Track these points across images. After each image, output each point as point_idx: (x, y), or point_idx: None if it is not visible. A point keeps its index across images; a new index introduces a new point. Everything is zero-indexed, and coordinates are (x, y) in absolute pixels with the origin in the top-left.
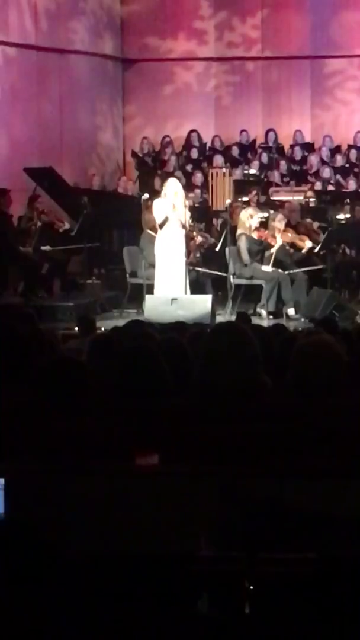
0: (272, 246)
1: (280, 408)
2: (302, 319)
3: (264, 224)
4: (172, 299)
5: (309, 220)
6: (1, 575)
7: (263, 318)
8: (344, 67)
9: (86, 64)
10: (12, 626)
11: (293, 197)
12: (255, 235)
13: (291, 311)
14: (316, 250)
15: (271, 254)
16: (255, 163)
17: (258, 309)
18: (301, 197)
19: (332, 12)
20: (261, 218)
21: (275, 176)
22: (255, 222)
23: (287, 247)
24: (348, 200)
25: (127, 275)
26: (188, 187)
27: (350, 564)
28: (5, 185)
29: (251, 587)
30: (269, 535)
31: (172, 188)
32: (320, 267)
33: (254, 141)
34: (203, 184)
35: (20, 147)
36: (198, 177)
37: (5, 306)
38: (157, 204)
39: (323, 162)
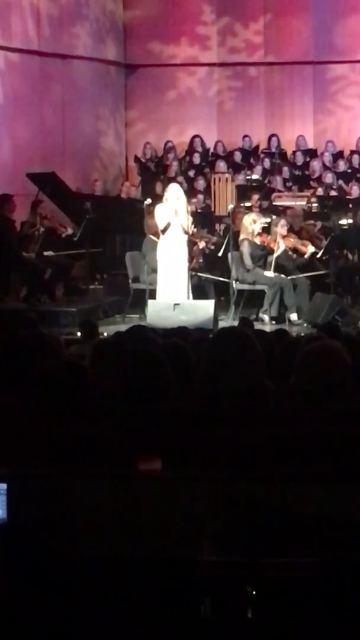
0: (274, 251)
1: (282, 413)
2: (305, 324)
3: (266, 230)
4: (175, 304)
5: (311, 221)
6: (3, 579)
7: (265, 323)
8: (346, 72)
9: (89, 69)
10: (15, 629)
11: (295, 202)
12: (257, 240)
13: (294, 316)
14: (319, 255)
15: (273, 259)
16: (258, 168)
17: (260, 314)
18: (304, 203)
19: (334, 18)
20: (264, 223)
21: (277, 181)
22: (258, 228)
23: (290, 253)
24: (351, 206)
25: (130, 281)
26: (190, 192)
27: (353, 569)
28: (8, 190)
29: (254, 592)
30: (271, 540)
31: (174, 193)
32: (322, 272)
33: (257, 146)
34: (205, 189)
35: (23, 152)
36: (200, 183)
37: (8, 311)
38: (159, 209)
39: (325, 167)
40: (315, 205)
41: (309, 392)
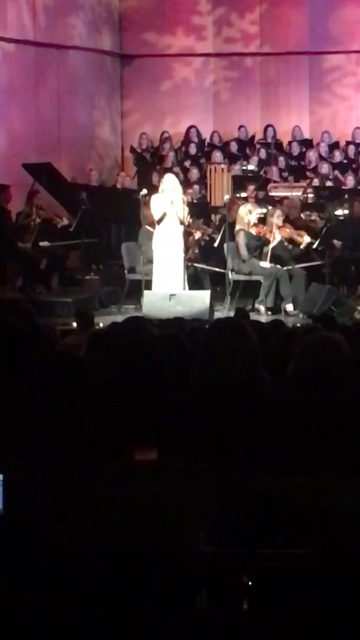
0: (270, 242)
1: (278, 403)
2: (301, 315)
3: (262, 220)
4: (171, 295)
5: (307, 212)
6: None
7: (261, 314)
8: (342, 62)
9: (84, 59)
10: (11, 621)
11: (291, 192)
12: (253, 231)
13: (289, 307)
14: (315, 246)
15: (269, 250)
16: (254, 159)
17: (256, 305)
18: (299, 193)
19: (330, 8)
20: (260, 214)
21: (273, 172)
22: (253, 218)
23: (286, 243)
24: (346, 196)
25: (126, 271)
26: (187, 182)
27: (349, 559)
28: (4, 180)
29: (249, 583)
30: (267, 531)
31: (170, 184)
32: (318, 262)
33: (253, 137)
34: (200, 179)
35: (19, 142)
36: (194, 173)
37: (4, 301)
38: (154, 200)
39: (321, 158)
40: (311, 195)
41: (309, 383)
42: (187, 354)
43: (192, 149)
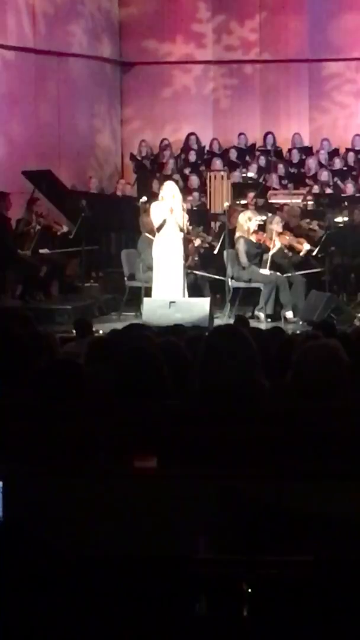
0: (270, 249)
1: (278, 411)
2: (300, 322)
3: (262, 227)
4: (170, 302)
5: (307, 220)
6: None
7: (261, 321)
8: (341, 70)
9: (84, 67)
10: (11, 628)
11: (291, 200)
12: (253, 238)
13: (289, 314)
14: (314, 253)
15: (269, 257)
16: (254, 166)
17: (256, 312)
18: (299, 200)
19: (330, 16)
20: (259, 221)
21: (273, 179)
22: (253, 225)
23: (285, 250)
24: (346, 203)
25: (125, 278)
26: (186, 190)
27: (348, 567)
28: (3, 188)
29: (249, 590)
30: (267, 538)
31: (170, 191)
32: (318, 270)
33: (253, 144)
34: (200, 187)
35: (19, 150)
36: (193, 181)
37: (4, 309)
38: (154, 207)
39: (321, 165)
40: (310, 203)
41: (307, 389)
42: (186, 361)
43: (192, 157)
